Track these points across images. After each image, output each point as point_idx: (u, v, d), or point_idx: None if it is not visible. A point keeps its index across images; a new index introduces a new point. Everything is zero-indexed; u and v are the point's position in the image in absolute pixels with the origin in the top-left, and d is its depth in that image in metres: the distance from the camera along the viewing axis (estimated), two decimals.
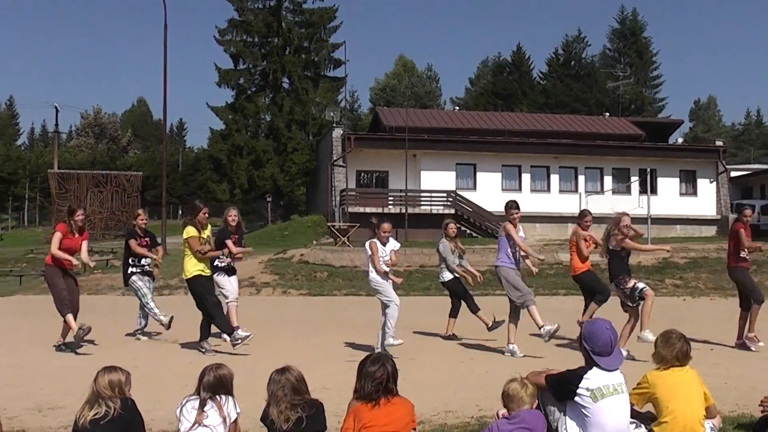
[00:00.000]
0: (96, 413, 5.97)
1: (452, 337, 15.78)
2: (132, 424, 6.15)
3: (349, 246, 38.30)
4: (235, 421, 6.26)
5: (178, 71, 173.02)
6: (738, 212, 15.09)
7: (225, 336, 13.75)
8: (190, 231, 13.65)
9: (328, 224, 45.48)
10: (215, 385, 6.24)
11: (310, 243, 40.80)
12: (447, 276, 15.87)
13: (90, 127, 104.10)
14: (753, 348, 14.22)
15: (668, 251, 16.50)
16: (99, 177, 57.05)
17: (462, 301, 15.86)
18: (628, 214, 13.85)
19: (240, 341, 13.26)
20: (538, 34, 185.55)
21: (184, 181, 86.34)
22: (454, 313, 16.03)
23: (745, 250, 14.42)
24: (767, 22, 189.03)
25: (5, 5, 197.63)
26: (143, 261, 15.63)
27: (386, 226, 13.71)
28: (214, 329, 13.96)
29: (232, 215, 14.50)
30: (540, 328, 13.15)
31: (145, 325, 15.70)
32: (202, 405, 6.14)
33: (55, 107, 75.98)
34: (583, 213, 15.21)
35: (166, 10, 37.58)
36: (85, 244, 14.04)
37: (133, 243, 15.44)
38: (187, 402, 6.25)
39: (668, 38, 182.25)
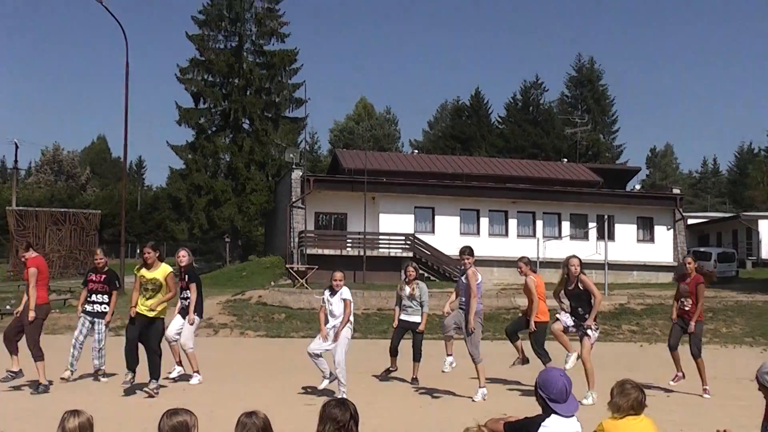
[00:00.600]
0: None
1: (415, 381, 15.88)
2: None
3: (307, 288, 38.26)
4: None
5: (138, 108, 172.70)
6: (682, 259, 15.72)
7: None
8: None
9: (287, 266, 45.43)
10: None
11: (268, 284, 40.72)
12: (400, 316, 16.31)
13: (49, 164, 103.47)
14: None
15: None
16: (57, 215, 56.64)
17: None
18: (575, 256, 14.17)
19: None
20: (496, 79, 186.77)
21: (143, 220, 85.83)
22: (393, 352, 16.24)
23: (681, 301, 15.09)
24: (724, 71, 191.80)
25: None
26: (94, 298, 15.71)
27: (338, 275, 14.02)
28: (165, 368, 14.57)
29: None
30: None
31: (102, 364, 15.64)
32: None
33: (15, 143, 75.65)
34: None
35: (128, 48, 37.64)
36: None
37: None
38: None
39: (625, 86, 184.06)
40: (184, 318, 15.28)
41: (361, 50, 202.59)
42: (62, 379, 14.79)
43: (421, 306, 16.22)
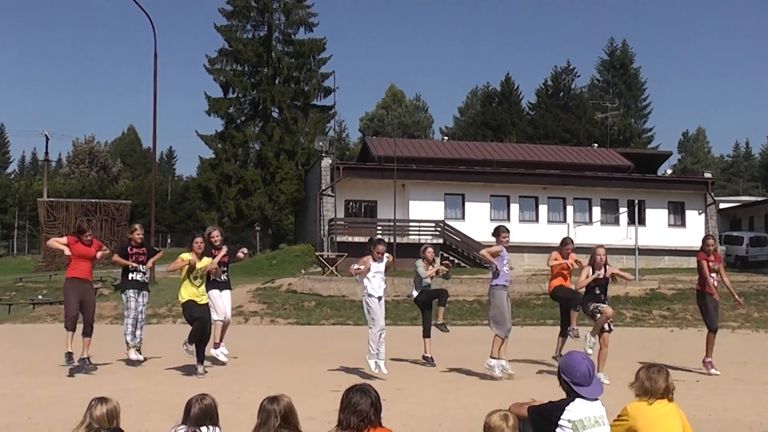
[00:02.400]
0: None
1: (429, 360, 15.97)
2: None
3: (337, 275, 38.25)
4: None
5: (168, 99, 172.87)
6: (702, 242, 15.84)
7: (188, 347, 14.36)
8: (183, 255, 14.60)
9: (317, 254, 45.45)
10: (200, 417, 6.23)
11: (298, 272, 40.79)
12: (415, 293, 16.17)
13: (82, 156, 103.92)
14: (710, 372, 14.85)
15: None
16: (88, 205, 56.90)
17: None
18: (602, 246, 14.74)
19: (189, 352, 14.28)
20: (527, 64, 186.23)
21: (173, 210, 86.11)
22: (427, 333, 16.16)
23: (712, 277, 15.21)
24: (755, 55, 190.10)
25: None
26: (141, 268, 15.93)
27: (381, 247, 14.24)
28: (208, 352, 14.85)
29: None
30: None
31: (140, 341, 15.77)
32: None
33: (45, 135, 76.08)
34: (565, 241, 15.68)
35: (156, 39, 37.71)
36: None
37: (115, 257, 16.02)
38: None
39: (657, 70, 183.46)
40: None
41: (391, 37, 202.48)
42: (129, 360, 15.44)
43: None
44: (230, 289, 16.25)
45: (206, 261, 14.60)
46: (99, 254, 15.06)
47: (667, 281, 35.16)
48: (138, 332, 15.62)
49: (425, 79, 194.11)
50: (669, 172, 66.07)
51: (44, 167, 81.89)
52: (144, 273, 15.99)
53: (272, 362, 16.58)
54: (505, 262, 14.11)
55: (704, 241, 15.69)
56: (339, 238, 46.68)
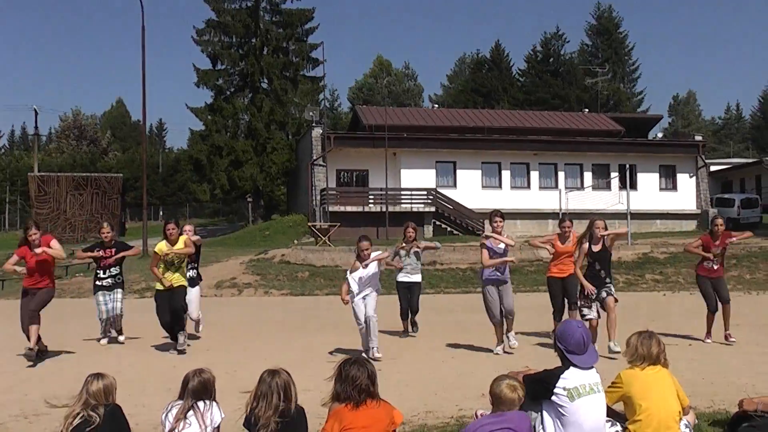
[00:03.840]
0: (83, 420, 6.04)
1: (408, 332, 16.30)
2: (119, 430, 6.22)
3: (330, 246, 38.28)
4: (218, 426, 6.32)
5: (156, 72, 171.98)
6: (710, 222, 15.27)
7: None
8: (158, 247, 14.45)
9: (309, 224, 45.45)
10: (199, 391, 6.29)
11: (291, 243, 40.83)
12: (399, 276, 16.48)
13: (70, 129, 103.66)
14: (729, 341, 14.51)
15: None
16: (79, 179, 56.90)
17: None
18: (601, 219, 14.06)
19: (180, 346, 14.11)
20: (516, 30, 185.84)
21: (165, 183, 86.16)
22: (405, 315, 16.43)
23: (709, 259, 14.83)
24: (746, 16, 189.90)
25: None
26: (105, 273, 15.47)
27: (364, 243, 13.76)
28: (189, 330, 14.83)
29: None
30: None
31: (119, 327, 15.71)
32: (186, 411, 6.19)
33: (34, 109, 75.70)
34: (562, 219, 15.19)
35: (144, 11, 37.60)
36: (53, 243, 13.79)
37: (78, 252, 16.27)
38: (172, 407, 6.27)
39: (647, 33, 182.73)
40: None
41: (377, 4, 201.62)
42: (99, 341, 15.51)
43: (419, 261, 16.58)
44: (197, 285, 15.89)
45: (180, 244, 14.36)
46: (49, 251, 13.54)
47: (660, 245, 35.28)
48: (119, 322, 15.62)
49: (413, 47, 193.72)
50: (660, 135, 66.12)
51: (34, 141, 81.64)
52: (114, 275, 15.49)
53: (267, 334, 16.65)
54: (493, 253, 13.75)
55: (712, 221, 15.20)
56: (331, 208, 46.68)
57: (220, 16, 63.73)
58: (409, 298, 16.25)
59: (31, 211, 56.42)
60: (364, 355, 12.73)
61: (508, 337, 13.82)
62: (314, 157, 49.73)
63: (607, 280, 13.60)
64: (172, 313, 14.09)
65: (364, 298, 13.51)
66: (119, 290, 15.52)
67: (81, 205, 55.46)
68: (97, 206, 55.60)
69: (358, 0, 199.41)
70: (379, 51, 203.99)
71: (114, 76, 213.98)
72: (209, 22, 63.81)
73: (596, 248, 13.62)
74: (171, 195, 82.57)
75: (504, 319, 13.71)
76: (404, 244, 16.41)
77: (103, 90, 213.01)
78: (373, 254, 13.65)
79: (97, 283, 15.45)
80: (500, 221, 13.79)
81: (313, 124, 52.28)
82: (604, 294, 13.44)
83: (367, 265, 13.57)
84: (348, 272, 13.87)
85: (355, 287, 13.55)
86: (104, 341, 15.44)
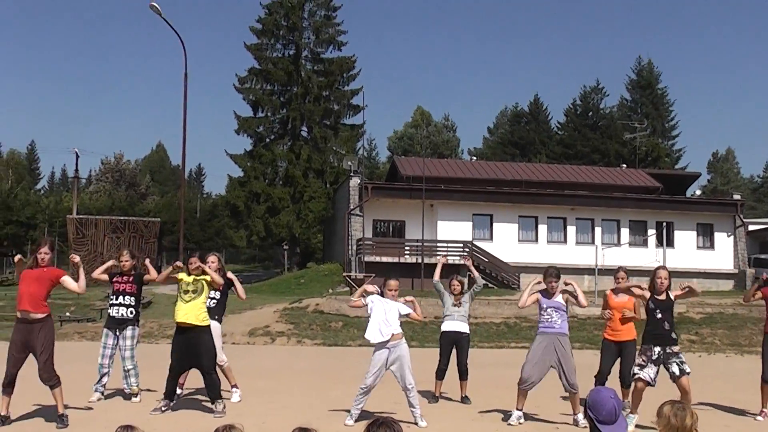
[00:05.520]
0: None
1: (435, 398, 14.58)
2: None
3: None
4: None
5: (197, 117, 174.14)
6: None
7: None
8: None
9: (344, 274, 45.48)
10: None
11: (325, 292, 40.84)
12: (444, 326, 14.62)
13: (111, 173, 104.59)
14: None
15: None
16: (117, 222, 57.09)
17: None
18: (664, 268, 12.54)
19: (218, 413, 12.31)
20: (555, 84, 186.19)
21: (202, 227, 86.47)
22: (440, 375, 14.61)
23: None
24: None
25: (27, 53, 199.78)
26: (121, 300, 13.86)
27: (392, 283, 12.39)
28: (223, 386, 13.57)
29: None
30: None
31: (135, 383, 13.98)
32: None
33: (75, 152, 76.36)
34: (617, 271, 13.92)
35: (187, 58, 37.84)
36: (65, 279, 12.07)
37: (95, 273, 14.18)
38: None
39: (686, 90, 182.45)
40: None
41: (420, 57, 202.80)
42: (90, 402, 13.41)
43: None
44: (218, 321, 13.89)
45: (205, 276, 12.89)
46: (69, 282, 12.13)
47: (696, 305, 34.96)
48: (132, 380, 13.86)
49: (453, 99, 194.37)
50: (698, 193, 65.79)
51: (74, 184, 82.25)
52: (128, 306, 13.90)
53: (298, 385, 16.56)
54: (546, 307, 12.42)
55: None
56: (367, 258, 46.74)
57: (262, 64, 64.33)
58: (455, 353, 14.44)
59: (69, 253, 56.73)
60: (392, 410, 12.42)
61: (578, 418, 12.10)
62: (351, 207, 49.85)
63: (673, 335, 11.97)
64: (188, 360, 12.65)
65: (389, 348, 11.94)
66: (131, 328, 13.92)
67: (118, 248, 55.54)
68: (134, 249, 55.86)
69: (399, 50, 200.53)
70: (418, 102, 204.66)
71: (155, 121, 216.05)
72: (252, 69, 64.43)
73: (663, 297, 12.13)
74: (207, 240, 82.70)
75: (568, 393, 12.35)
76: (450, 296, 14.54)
77: (144, 134, 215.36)
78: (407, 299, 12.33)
79: (108, 311, 14.12)
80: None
81: (351, 174, 52.47)
82: (675, 369, 11.66)
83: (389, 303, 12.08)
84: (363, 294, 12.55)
85: (370, 334, 12.03)
86: (95, 397, 13.66)
